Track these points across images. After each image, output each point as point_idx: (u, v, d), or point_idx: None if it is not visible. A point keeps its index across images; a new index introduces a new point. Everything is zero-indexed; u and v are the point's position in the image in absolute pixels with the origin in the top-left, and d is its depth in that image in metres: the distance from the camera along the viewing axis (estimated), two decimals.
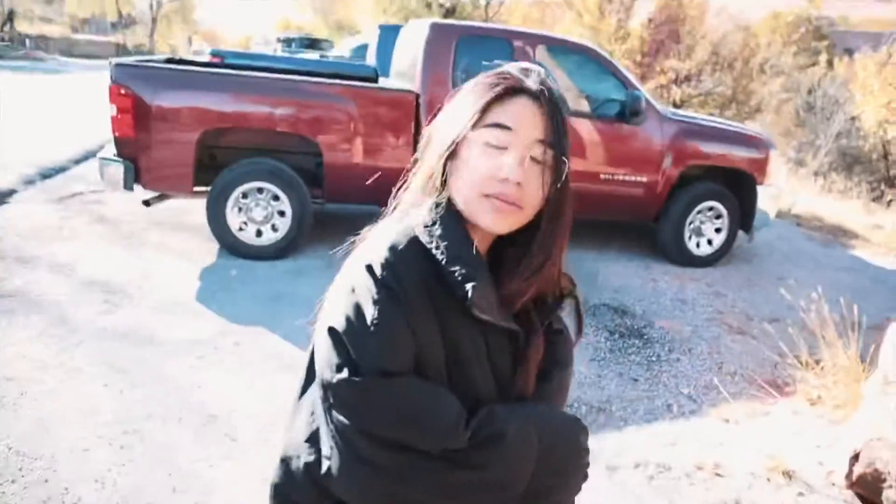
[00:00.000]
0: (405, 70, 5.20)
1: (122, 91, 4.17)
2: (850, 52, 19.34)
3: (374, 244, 0.89)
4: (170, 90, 4.34)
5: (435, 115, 0.96)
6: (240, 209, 4.44)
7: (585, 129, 4.97)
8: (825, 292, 3.32)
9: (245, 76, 4.56)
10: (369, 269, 0.85)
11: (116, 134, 4.25)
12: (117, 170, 4.29)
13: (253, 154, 4.56)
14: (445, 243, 0.86)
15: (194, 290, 3.96)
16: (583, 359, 3.52)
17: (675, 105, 12.83)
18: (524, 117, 0.87)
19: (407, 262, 0.85)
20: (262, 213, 4.47)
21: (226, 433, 2.56)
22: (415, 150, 3.81)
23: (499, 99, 0.88)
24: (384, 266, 0.84)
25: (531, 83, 0.89)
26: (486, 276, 0.87)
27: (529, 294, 0.92)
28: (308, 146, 4.57)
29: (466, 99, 0.91)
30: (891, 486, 2.36)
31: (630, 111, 4.93)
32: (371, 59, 8.13)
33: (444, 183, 0.90)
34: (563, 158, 0.88)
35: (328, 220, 5.31)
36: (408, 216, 0.91)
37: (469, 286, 0.84)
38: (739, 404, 3.15)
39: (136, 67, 4.42)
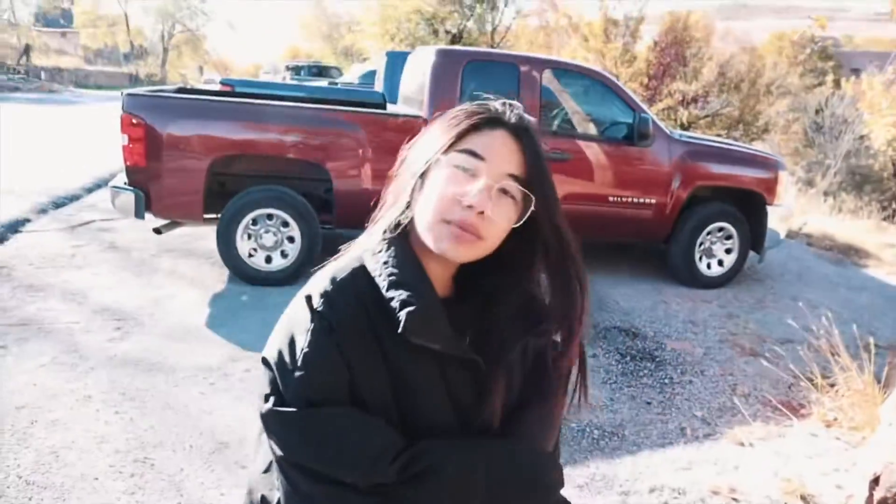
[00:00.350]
0: (413, 96, 5.26)
1: (134, 121, 4.23)
2: (856, 71, 19.42)
3: (321, 273, 0.89)
4: (180, 119, 4.40)
5: (412, 138, 0.97)
6: (249, 236, 4.47)
7: (593, 152, 4.99)
8: (838, 312, 3.32)
9: (254, 104, 4.62)
10: (308, 299, 0.85)
11: (128, 163, 4.31)
12: (129, 198, 4.33)
13: (262, 181, 4.60)
14: (388, 269, 0.86)
15: (205, 316, 3.97)
16: (594, 382, 3.49)
17: (683, 126, 12.89)
18: (498, 149, 0.87)
19: (346, 291, 0.85)
20: (271, 239, 4.50)
21: (236, 461, 2.55)
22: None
23: (476, 128, 0.88)
24: (322, 296, 0.84)
25: (511, 117, 0.90)
26: (432, 301, 0.85)
27: (507, 324, 0.91)
28: (317, 172, 4.61)
29: (445, 125, 0.91)
30: None
31: (638, 133, 4.95)
32: (379, 86, 8.23)
33: (409, 204, 0.89)
34: (531, 196, 0.87)
35: (338, 245, 5.32)
36: (359, 244, 0.93)
37: (404, 312, 0.82)
38: (754, 427, 3.09)
39: (147, 97, 4.49)
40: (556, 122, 5.28)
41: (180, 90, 5.46)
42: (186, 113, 4.49)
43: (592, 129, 5.26)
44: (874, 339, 3.15)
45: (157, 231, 4.75)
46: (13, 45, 39.34)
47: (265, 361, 0.86)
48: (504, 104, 0.93)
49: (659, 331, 4.31)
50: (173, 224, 4.81)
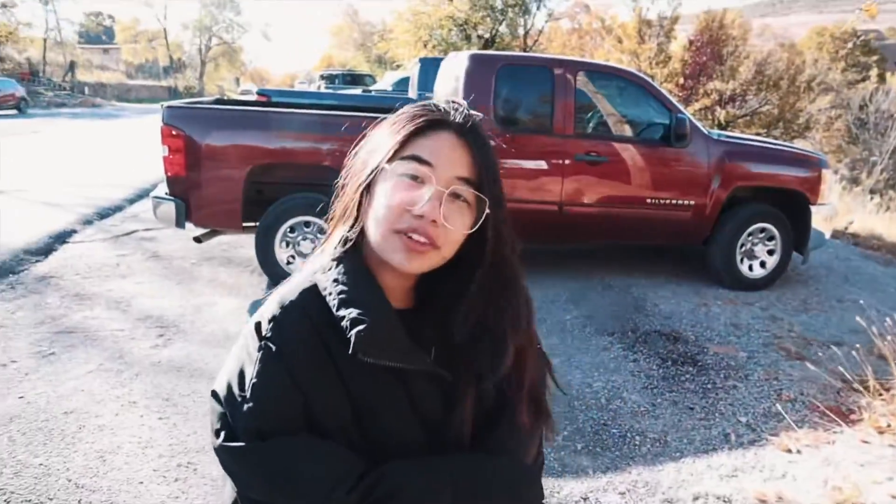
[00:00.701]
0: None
1: (174, 132, 4.33)
2: None
3: (271, 297, 0.86)
4: (218, 130, 4.49)
5: (356, 145, 0.91)
6: (287, 243, 4.53)
7: (629, 154, 4.93)
8: (888, 314, 3.18)
9: (289, 113, 4.68)
10: (256, 326, 0.82)
11: (168, 173, 4.41)
12: (169, 208, 4.43)
13: (299, 189, 4.66)
14: (339, 287, 0.82)
15: (244, 323, 4.02)
16: (635, 387, 3.43)
17: (721, 126, 12.66)
18: (445, 152, 0.83)
19: (295, 315, 0.82)
20: (309, 246, 4.55)
21: None
22: None
23: (420, 132, 0.83)
24: (270, 321, 0.81)
25: (456, 117, 0.85)
26: (385, 317, 0.81)
27: (478, 340, 0.86)
28: None
29: (387, 130, 0.87)
30: None
31: (675, 134, 4.86)
32: (413, 92, 8.28)
33: (357, 217, 0.86)
34: (484, 197, 0.83)
35: None
36: (310, 263, 0.89)
37: (354, 332, 0.78)
38: (802, 433, 2.99)
39: (186, 109, 4.59)
40: (591, 125, 5.23)
41: (218, 101, 5.58)
42: (224, 123, 4.57)
43: (628, 131, 5.19)
44: None
45: (198, 240, 4.85)
46: (59, 63, 40.89)
47: (214, 395, 0.82)
48: (448, 103, 0.88)
49: (700, 334, 4.22)
50: (213, 233, 4.90)
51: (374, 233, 0.83)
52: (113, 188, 8.20)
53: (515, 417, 0.89)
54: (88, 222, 6.49)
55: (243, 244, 5.61)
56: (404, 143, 0.83)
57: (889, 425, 2.98)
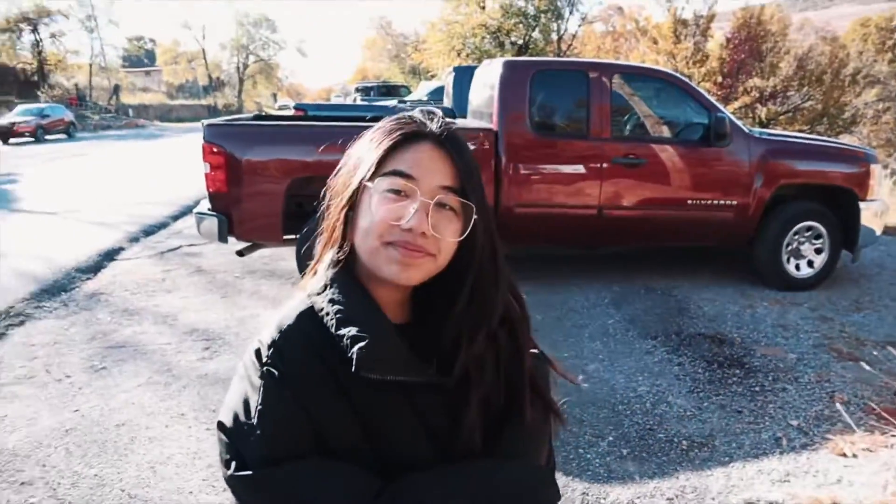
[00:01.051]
0: (482, 109, 5.27)
1: (215, 149, 4.44)
2: None
3: (269, 322, 0.86)
4: (258, 145, 4.58)
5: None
6: None
7: (668, 155, 4.84)
8: None
9: (326, 126, 4.75)
10: (256, 353, 0.82)
11: (210, 189, 4.52)
12: (212, 223, 4.54)
13: None
14: (335, 307, 0.82)
15: None
16: (681, 391, 3.36)
17: (762, 124, 12.38)
18: (426, 163, 0.82)
19: (294, 338, 0.82)
20: None
21: None
22: (496, 187, 3.85)
23: (399, 145, 0.83)
24: (269, 347, 0.81)
25: (433, 127, 0.85)
26: (384, 332, 0.81)
27: (472, 342, 0.85)
28: None
29: (366, 146, 0.86)
30: None
31: (714, 134, 4.77)
32: (447, 101, 8.32)
33: (344, 236, 0.85)
34: (470, 204, 0.83)
35: None
36: (303, 286, 0.89)
37: (355, 349, 0.78)
38: (857, 436, 2.88)
39: (225, 126, 4.71)
40: (628, 127, 5.17)
41: (256, 117, 5.70)
42: (263, 139, 4.68)
43: (667, 132, 5.11)
44: None
45: (240, 253, 4.95)
46: (104, 87, 42.49)
47: (221, 426, 0.81)
48: (423, 113, 0.87)
49: (747, 336, 4.11)
50: (254, 246, 5.00)
51: (363, 250, 0.82)
52: (157, 206, 8.47)
53: (524, 416, 0.88)
54: (135, 240, 6.71)
55: (284, 257, 5.70)
56: (384, 158, 0.83)
57: None
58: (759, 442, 2.88)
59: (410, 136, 0.84)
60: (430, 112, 0.87)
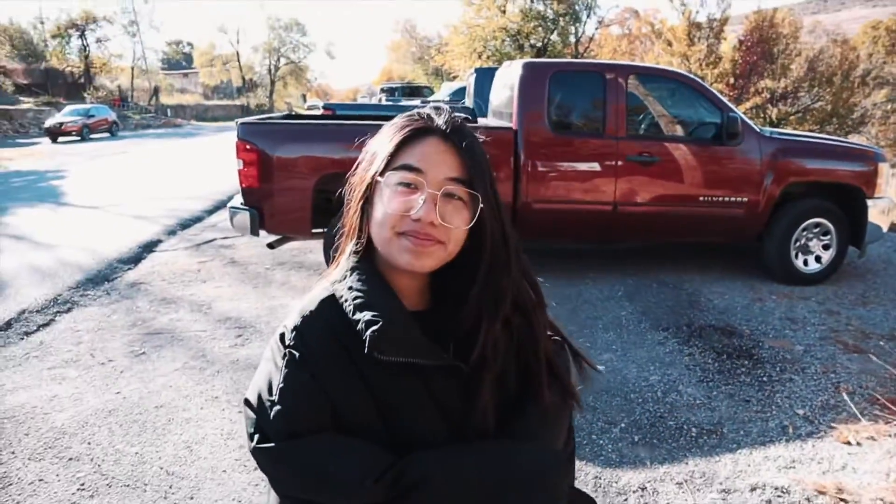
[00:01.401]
0: (503, 109, 5.37)
1: (248, 147, 4.61)
2: None
3: (294, 309, 0.92)
4: (288, 143, 4.75)
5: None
6: None
7: (681, 153, 4.90)
8: None
9: (352, 125, 4.89)
10: (280, 337, 0.88)
11: (243, 185, 4.70)
12: (244, 217, 4.72)
13: None
14: (353, 293, 0.87)
15: None
16: (691, 381, 3.42)
17: (773, 124, 12.28)
18: (433, 156, 0.87)
19: (315, 323, 0.88)
20: None
21: None
22: (515, 184, 4.00)
23: (408, 140, 0.88)
24: (293, 331, 0.87)
25: (440, 122, 0.89)
26: (397, 317, 0.85)
27: (488, 326, 0.89)
28: None
29: (378, 143, 0.92)
30: None
31: (726, 133, 4.82)
32: (469, 101, 8.40)
33: (362, 228, 0.91)
34: (477, 194, 0.87)
35: None
36: (326, 275, 0.95)
37: (368, 332, 0.82)
38: (861, 425, 2.91)
39: (258, 125, 4.87)
40: (643, 126, 5.22)
41: (287, 116, 5.88)
42: (293, 137, 4.84)
43: (680, 131, 5.16)
44: None
45: (271, 246, 5.13)
46: (145, 88, 43.69)
47: (247, 403, 0.87)
48: (433, 108, 0.92)
49: (755, 328, 4.15)
50: (284, 239, 5.17)
51: (379, 240, 0.88)
52: (193, 200, 8.75)
53: (540, 399, 0.92)
54: (172, 233, 6.97)
55: (312, 249, 5.88)
56: (394, 153, 0.88)
57: None
58: (766, 430, 2.94)
59: (419, 131, 0.89)
60: (437, 108, 0.92)
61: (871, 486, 2.50)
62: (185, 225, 7.39)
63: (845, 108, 13.57)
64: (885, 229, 5.16)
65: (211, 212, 8.16)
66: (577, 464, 2.62)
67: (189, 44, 58.79)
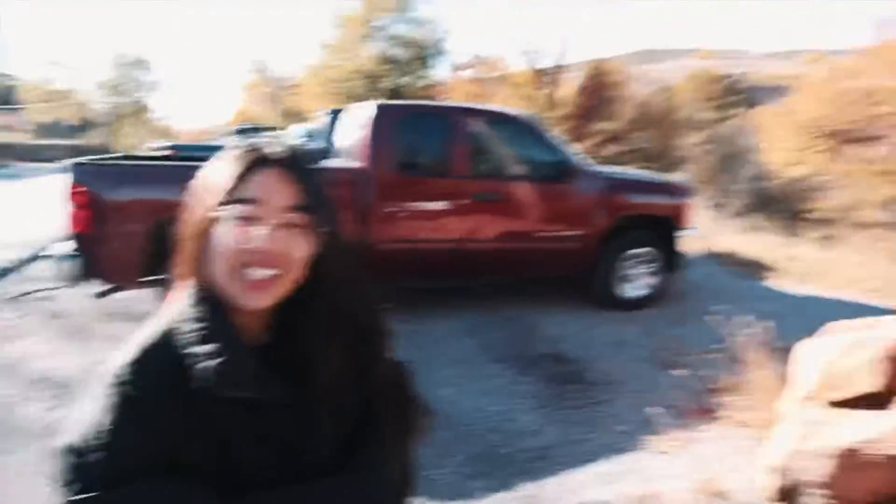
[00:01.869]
0: (353, 149, 5.44)
1: (79, 188, 4.32)
2: (752, 104, 21.22)
3: (126, 343, 0.87)
4: (123, 185, 4.50)
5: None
6: None
7: (522, 191, 5.27)
8: (748, 322, 3.54)
9: (194, 166, 4.74)
10: (109, 372, 0.83)
11: (73, 229, 4.37)
12: (72, 265, 4.39)
13: None
14: (190, 329, 0.85)
15: None
16: (525, 409, 3.64)
17: (610, 162, 13.78)
18: (271, 187, 0.85)
19: (149, 358, 0.84)
20: None
21: None
22: (364, 222, 4.08)
23: (244, 173, 0.86)
24: (122, 368, 0.83)
25: (274, 152, 0.88)
26: (236, 352, 0.84)
27: (327, 357, 0.90)
28: None
29: (212, 177, 0.88)
30: (806, 494, 2.53)
31: (562, 172, 5.30)
32: (323, 142, 8.44)
33: (200, 266, 0.87)
34: (317, 221, 0.87)
35: None
36: (165, 307, 0.92)
37: (204, 368, 0.81)
38: (672, 435, 3.26)
39: (91, 166, 4.58)
40: (486, 166, 5.55)
41: (125, 157, 5.57)
42: (128, 179, 4.59)
43: (520, 171, 5.57)
44: (780, 342, 3.40)
45: (100, 295, 4.76)
46: None
47: (66, 447, 0.80)
48: (266, 140, 0.91)
49: (585, 354, 4.53)
50: (115, 288, 4.81)
51: (219, 276, 0.85)
52: (8, 249, 7.84)
53: (381, 428, 0.93)
54: None
55: (144, 299, 5.49)
56: (230, 188, 0.85)
57: (746, 419, 3.33)
58: (591, 449, 3.19)
59: (255, 162, 0.86)
60: (272, 139, 0.91)
61: (682, 488, 2.80)
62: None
63: (669, 149, 15.48)
64: (696, 257, 5.92)
65: (31, 260, 7.36)
66: None
67: (12, 77, 53.36)
